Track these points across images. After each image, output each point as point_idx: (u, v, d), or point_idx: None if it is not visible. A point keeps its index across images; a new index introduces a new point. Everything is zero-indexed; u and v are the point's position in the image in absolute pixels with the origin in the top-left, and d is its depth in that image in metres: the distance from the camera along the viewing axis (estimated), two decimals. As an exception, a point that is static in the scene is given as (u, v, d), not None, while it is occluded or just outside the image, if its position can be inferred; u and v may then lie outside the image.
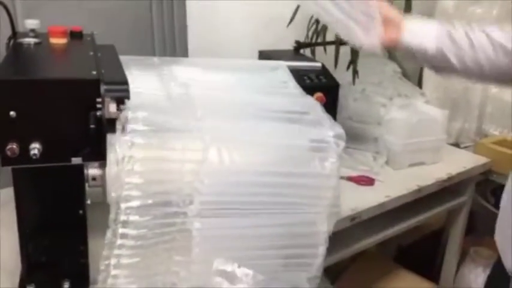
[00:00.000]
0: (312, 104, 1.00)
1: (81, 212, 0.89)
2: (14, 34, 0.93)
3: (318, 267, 0.95)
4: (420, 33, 0.97)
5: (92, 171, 0.84)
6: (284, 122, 0.93)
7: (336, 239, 0.97)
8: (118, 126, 0.75)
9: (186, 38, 1.43)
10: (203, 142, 0.80)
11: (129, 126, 0.75)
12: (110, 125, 0.76)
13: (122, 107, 0.78)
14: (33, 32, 0.92)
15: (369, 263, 1.70)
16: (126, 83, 0.80)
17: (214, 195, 0.83)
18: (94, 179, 0.83)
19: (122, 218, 0.77)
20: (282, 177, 0.89)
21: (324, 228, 0.93)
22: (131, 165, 0.75)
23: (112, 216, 0.77)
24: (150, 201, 0.78)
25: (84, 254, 0.89)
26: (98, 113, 0.76)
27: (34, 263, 0.86)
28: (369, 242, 1.33)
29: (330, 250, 0.96)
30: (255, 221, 0.89)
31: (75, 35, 0.98)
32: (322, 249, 0.94)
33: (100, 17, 1.25)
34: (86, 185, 0.85)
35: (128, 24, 1.31)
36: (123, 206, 0.77)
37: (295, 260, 0.94)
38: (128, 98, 0.78)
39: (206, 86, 0.98)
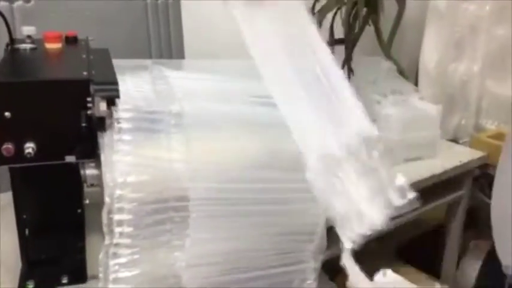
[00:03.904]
0: None
1: (79, 210, 0.92)
2: (12, 41, 0.97)
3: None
4: None
5: (89, 171, 0.86)
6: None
7: (334, 233, 0.98)
8: (107, 124, 0.78)
9: (182, 41, 1.46)
10: (188, 140, 0.82)
11: (117, 125, 0.78)
12: (101, 123, 0.79)
13: (113, 108, 0.81)
14: (30, 38, 0.96)
15: (369, 258, 1.70)
16: (115, 83, 0.83)
17: (202, 192, 0.85)
18: (91, 179, 0.86)
19: (116, 217, 0.79)
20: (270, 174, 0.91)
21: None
22: (121, 159, 0.77)
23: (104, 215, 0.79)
24: (141, 195, 0.80)
25: (82, 250, 0.92)
26: (89, 112, 0.79)
27: (33, 260, 0.90)
28: (366, 236, 1.34)
29: (328, 244, 0.98)
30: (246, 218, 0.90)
31: (70, 40, 1.02)
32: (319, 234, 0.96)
33: (97, 23, 1.28)
34: (84, 185, 0.88)
35: (125, 29, 1.35)
36: (116, 205, 0.79)
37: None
38: (118, 97, 0.81)
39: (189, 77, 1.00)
